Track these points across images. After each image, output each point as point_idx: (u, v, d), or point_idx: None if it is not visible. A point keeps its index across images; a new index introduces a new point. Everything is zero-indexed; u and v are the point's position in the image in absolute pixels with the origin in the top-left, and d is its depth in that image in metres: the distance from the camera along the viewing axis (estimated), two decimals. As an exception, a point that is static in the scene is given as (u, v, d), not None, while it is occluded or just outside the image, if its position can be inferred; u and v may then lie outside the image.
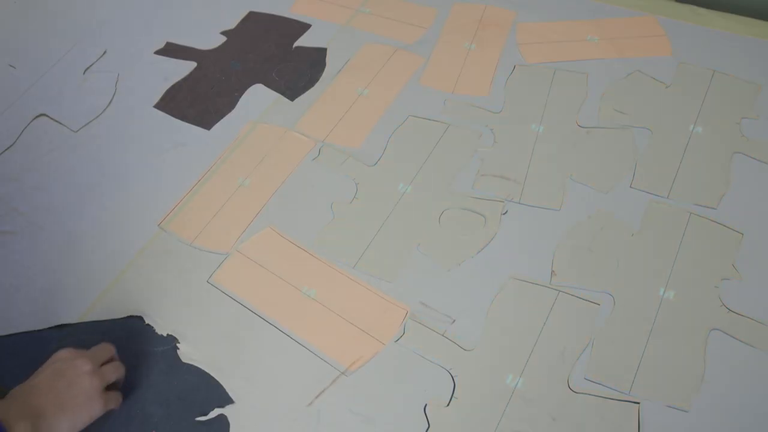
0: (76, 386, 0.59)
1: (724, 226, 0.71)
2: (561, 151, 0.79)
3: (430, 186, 0.78)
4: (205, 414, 0.65)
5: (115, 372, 0.63)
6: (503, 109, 0.84)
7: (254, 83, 0.92)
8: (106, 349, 0.64)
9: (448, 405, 0.63)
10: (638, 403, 0.62)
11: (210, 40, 0.98)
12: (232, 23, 1.00)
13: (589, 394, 0.62)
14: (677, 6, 0.93)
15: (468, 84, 0.88)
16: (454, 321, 0.68)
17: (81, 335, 0.70)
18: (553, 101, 0.84)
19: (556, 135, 0.81)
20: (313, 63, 0.93)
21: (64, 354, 0.61)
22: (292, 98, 0.89)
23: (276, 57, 0.95)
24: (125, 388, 0.65)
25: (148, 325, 0.70)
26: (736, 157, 0.77)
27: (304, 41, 0.96)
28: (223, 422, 0.64)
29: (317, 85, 0.90)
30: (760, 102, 0.81)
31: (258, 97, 0.90)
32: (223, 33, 0.99)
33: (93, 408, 0.59)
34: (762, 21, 0.89)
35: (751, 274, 0.68)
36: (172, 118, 0.89)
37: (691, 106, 0.82)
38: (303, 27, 0.98)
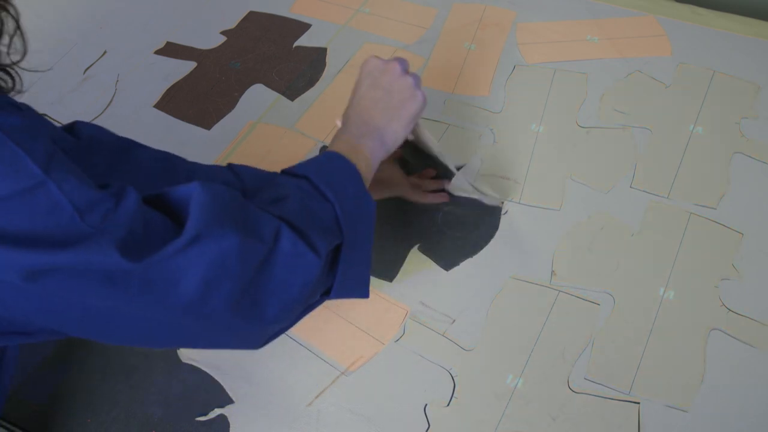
0: (395, 92, 0.63)
1: (724, 226, 0.71)
2: (561, 151, 0.79)
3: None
4: (205, 414, 0.65)
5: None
6: (503, 109, 0.84)
7: (254, 83, 0.92)
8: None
9: (448, 405, 0.63)
10: (638, 403, 0.62)
11: (210, 40, 0.98)
12: (232, 23, 1.00)
13: (589, 394, 0.62)
14: (677, 6, 0.93)
15: (468, 84, 0.87)
16: (454, 321, 0.68)
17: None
18: (553, 101, 0.84)
19: (556, 135, 0.81)
20: (313, 63, 0.93)
21: (373, 64, 0.65)
22: (292, 98, 0.89)
23: (276, 57, 0.95)
24: None
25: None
26: (736, 157, 0.77)
27: (304, 41, 0.96)
28: (223, 422, 0.64)
29: (317, 85, 0.90)
30: (760, 102, 0.81)
31: (258, 97, 0.90)
32: (223, 33, 0.99)
33: (415, 105, 0.63)
34: (762, 21, 0.89)
35: (750, 274, 0.68)
36: (172, 118, 0.89)
37: (691, 106, 0.82)
38: (303, 27, 0.98)
